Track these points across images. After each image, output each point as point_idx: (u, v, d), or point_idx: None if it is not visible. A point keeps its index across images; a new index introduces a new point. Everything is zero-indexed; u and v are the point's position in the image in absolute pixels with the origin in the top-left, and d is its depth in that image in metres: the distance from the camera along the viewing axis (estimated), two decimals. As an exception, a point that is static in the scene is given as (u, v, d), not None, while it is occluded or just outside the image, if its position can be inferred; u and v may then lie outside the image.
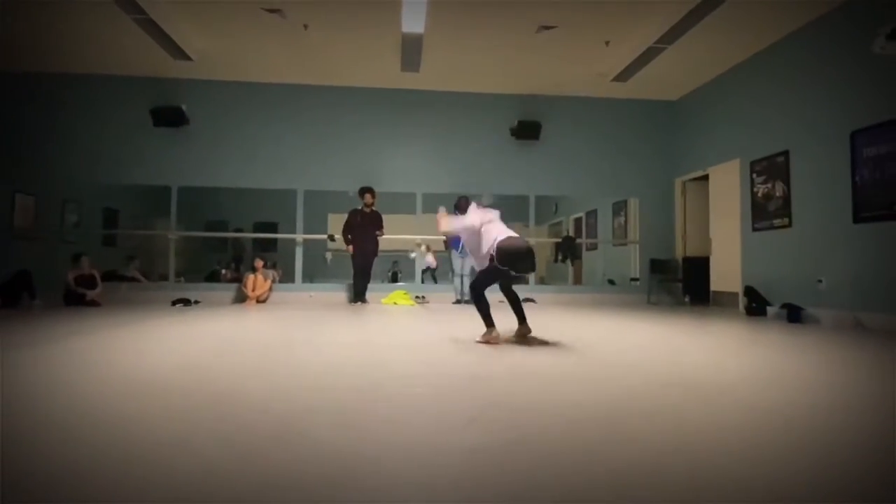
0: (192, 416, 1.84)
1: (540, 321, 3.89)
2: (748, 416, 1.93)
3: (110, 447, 1.53)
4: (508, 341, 3.64)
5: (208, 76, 7.68)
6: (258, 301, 7.34)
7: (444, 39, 6.46)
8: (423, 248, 8.86)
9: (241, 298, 7.47)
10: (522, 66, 7.24)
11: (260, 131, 7.92)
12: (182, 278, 8.01)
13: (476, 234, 3.73)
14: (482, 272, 3.75)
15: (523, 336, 3.78)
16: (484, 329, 3.66)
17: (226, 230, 10.05)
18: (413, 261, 8.67)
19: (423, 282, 9.88)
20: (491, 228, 3.73)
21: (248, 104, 7.92)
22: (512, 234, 3.68)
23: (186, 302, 7.06)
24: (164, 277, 7.75)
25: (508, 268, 3.59)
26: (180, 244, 8.09)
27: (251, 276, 7.39)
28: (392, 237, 7.93)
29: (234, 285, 7.77)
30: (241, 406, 1.96)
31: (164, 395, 2.13)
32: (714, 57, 6.87)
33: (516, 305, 3.88)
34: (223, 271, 8.79)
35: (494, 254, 3.58)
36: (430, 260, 9.74)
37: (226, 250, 10.28)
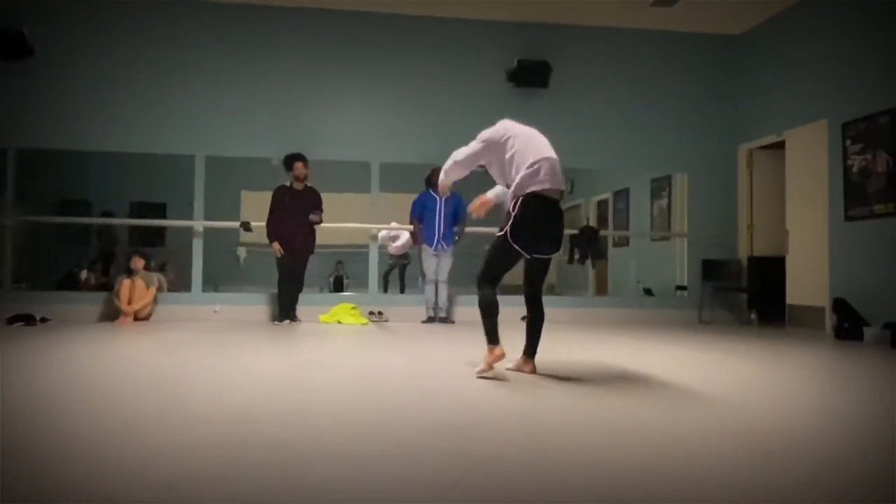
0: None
1: (545, 346, 3.87)
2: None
3: None
4: (501, 373, 3.62)
5: (63, -13, 7.50)
6: (137, 318, 7.22)
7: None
8: (391, 227, 8.84)
9: (111, 314, 7.33)
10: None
11: (141, 71, 7.75)
12: (23, 285, 7.85)
13: (503, 165, 3.63)
14: (491, 248, 3.62)
15: (521, 371, 3.75)
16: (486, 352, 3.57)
17: (89, 214, 9.84)
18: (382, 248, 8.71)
19: (384, 289, 9.85)
20: (524, 151, 3.57)
21: (124, 30, 7.74)
22: (555, 167, 3.58)
23: (29, 319, 6.88)
24: (-4, 283, 7.55)
25: (525, 247, 3.51)
26: (20, 234, 7.85)
27: (127, 282, 7.26)
28: (334, 226, 7.86)
29: (102, 295, 7.62)
30: (110, 473, 1.89)
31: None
32: (794, -25, 6.97)
33: (535, 327, 3.77)
34: (84, 274, 8.60)
35: (514, 212, 3.46)
36: (398, 244, 9.62)
37: (89, 244, 10.07)
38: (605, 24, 8.34)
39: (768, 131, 8.06)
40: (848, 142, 6.77)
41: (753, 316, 7.99)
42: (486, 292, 3.58)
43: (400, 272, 10.36)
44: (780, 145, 7.92)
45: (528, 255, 3.56)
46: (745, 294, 8.17)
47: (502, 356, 3.50)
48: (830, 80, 7.04)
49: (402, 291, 10.06)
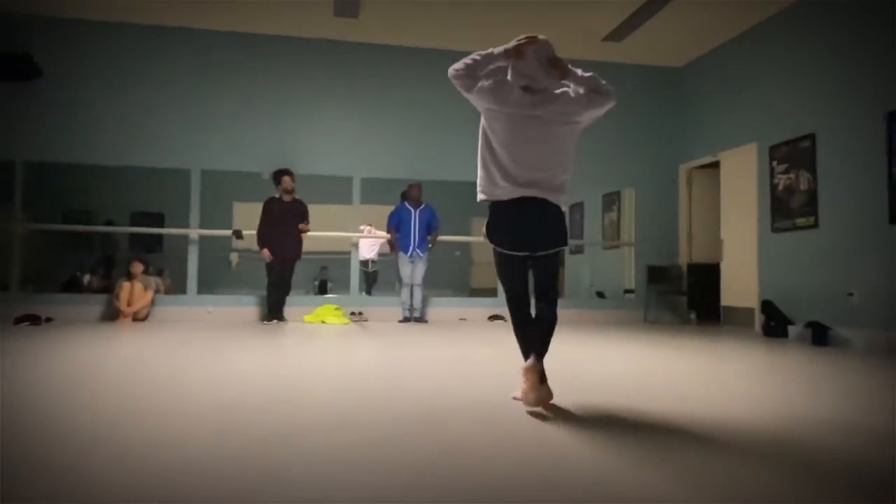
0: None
1: (508, 343, 3.86)
2: (768, 466, 1.95)
3: None
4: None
5: (68, 13, 7.35)
6: (135, 319, 7.11)
7: (391, -22, 6.40)
8: (367, 230, 8.83)
9: (112, 315, 7.21)
10: (490, 16, 7.27)
11: (141, 91, 7.63)
12: (29, 287, 7.66)
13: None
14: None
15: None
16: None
17: (92, 223, 9.65)
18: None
19: (368, 291, 9.80)
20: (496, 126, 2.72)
21: (125, 54, 7.62)
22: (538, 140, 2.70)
23: (35, 319, 6.73)
24: (5, 286, 7.35)
25: (503, 244, 2.75)
26: (28, 241, 7.73)
27: (126, 285, 7.14)
28: (319, 234, 7.81)
29: (103, 297, 7.48)
30: (98, 460, 1.83)
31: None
32: (730, 14, 7.10)
33: (541, 327, 2.77)
34: (87, 278, 8.46)
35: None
36: (368, 248, 9.55)
37: (91, 250, 9.88)
38: (566, 56, 8.37)
39: (705, 153, 8.19)
40: (774, 163, 6.90)
41: (693, 316, 8.10)
42: (510, 309, 2.86)
43: (366, 273, 10.25)
44: (715, 165, 8.06)
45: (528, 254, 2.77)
46: (685, 297, 8.29)
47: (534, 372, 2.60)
48: (760, 107, 7.18)
49: (368, 291, 10.06)
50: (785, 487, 1.75)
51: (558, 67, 2.86)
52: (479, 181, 2.81)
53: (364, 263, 9.85)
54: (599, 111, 2.88)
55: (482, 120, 2.82)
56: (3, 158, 7.31)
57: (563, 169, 2.77)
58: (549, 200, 2.73)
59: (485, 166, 2.78)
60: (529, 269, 2.83)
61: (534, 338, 2.72)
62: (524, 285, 2.83)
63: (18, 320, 6.68)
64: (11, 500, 1.54)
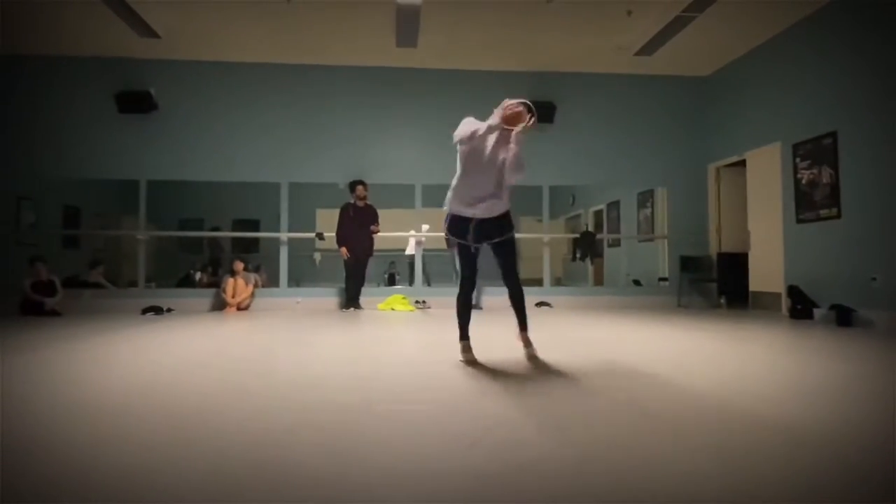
0: (152, 440, 1.82)
1: (553, 327, 3.85)
2: (788, 442, 1.89)
3: (62, 476, 1.51)
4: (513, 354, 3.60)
5: (179, 56, 7.68)
6: (239, 308, 7.35)
7: (444, 10, 6.43)
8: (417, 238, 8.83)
9: (219, 305, 7.48)
10: (533, 39, 7.20)
11: (238, 118, 7.92)
12: (153, 284, 8.02)
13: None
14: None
15: (524, 347, 3.36)
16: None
17: (201, 229, 10.07)
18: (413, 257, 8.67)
19: (428, 283, 9.87)
20: (465, 157, 3.22)
21: (224, 87, 7.92)
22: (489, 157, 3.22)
23: (158, 310, 7.07)
24: (133, 283, 7.76)
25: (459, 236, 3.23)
26: (150, 245, 8.10)
27: (231, 281, 7.39)
28: (388, 235, 7.92)
29: (212, 291, 7.78)
30: (210, 429, 1.95)
31: (124, 416, 2.11)
32: (750, 27, 6.81)
33: (515, 301, 3.32)
34: (199, 275, 8.79)
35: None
36: (412, 246, 9.54)
37: (201, 252, 10.29)
38: (598, 71, 8.25)
39: (732, 152, 7.88)
40: (798, 159, 6.58)
41: (723, 300, 7.82)
42: (459, 293, 3.38)
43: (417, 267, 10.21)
44: (741, 163, 7.74)
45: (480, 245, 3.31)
46: (716, 283, 8.00)
47: (467, 355, 3.28)
48: (783, 109, 6.86)
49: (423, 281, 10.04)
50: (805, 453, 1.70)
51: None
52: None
53: (411, 258, 9.88)
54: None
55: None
56: (129, 178, 7.72)
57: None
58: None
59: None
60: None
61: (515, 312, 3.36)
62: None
63: (145, 311, 7.06)
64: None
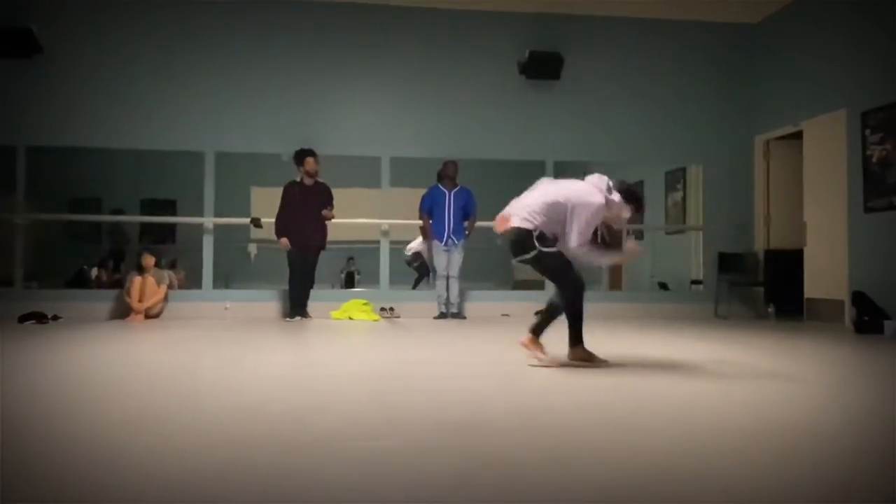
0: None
1: (557, 342, 3.87)
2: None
3: None
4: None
5: (71, -17, 7.53)
6: (148, 316, 7.26)
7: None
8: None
9: (122, 312, 7.38)
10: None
11: (148, 66, 7.78)
12: (34, 283, 7.90)
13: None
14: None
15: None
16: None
17: (99, 212, 9.92)
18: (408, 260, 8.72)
19: (427, 282, 9.82)
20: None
21: (131, 26, 7.77)
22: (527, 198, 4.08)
23: (40, 318, 6.94)
24: (8, 282, 7.61)
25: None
26: (31, 232, 7.93)
27: (137, 280, 7.30)
28: (344, 222, 7.87)
29: (112, 293, 7.67)
30: (106, 476, 1.90)
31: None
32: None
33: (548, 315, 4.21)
34: (94, 272, 8.66)
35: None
36: (417, 244, 9.55)
37: (99, 242, 10.15)
38: (619, 14, 8.27)
39: (785, 122, 7.98)
40: (867, 131, 6.69)
41: (771, 310, 7.92)
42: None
43: (419, 269, 10.22)
44: (797, 136, 7.84)
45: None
46: (762, 288, 8.12)
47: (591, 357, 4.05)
48: (849, 68, 6.96)
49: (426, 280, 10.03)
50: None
51: None
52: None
53: (415, 256, 9.80)
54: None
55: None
56: (3, 143, 7.55)
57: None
58: None
59: None
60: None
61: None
62: None
63: (23, 318, 6.88)
64: (11, 500, 1.61)
